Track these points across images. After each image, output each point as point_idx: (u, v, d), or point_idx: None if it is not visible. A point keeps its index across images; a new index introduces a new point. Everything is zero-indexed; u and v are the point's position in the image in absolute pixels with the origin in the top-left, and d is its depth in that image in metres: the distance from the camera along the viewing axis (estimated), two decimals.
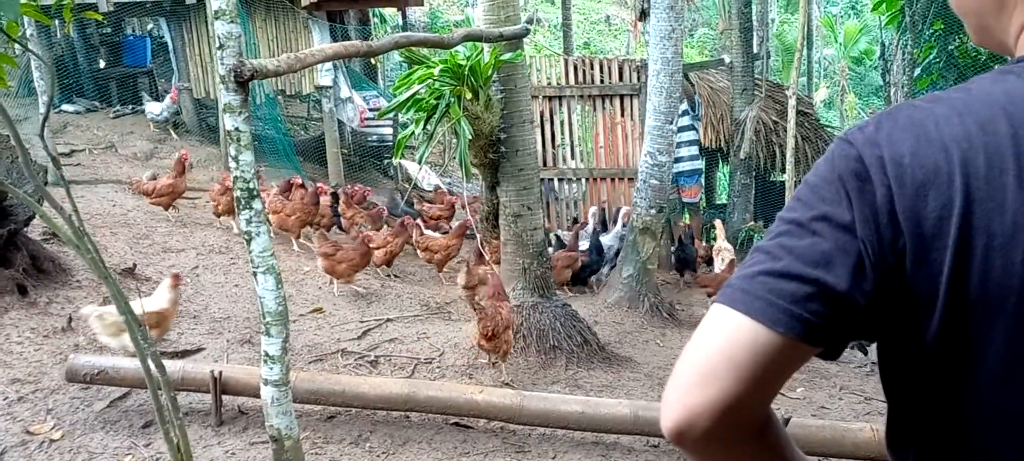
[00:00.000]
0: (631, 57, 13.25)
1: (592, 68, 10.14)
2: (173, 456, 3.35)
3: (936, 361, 0.92)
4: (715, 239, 9.17)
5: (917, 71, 13.39)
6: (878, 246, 0.89)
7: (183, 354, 5.40)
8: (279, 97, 13.00)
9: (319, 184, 9.17)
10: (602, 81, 10.06)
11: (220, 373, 4.47)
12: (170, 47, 12.12)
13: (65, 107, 11.93)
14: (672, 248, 8.91)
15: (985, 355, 0.89)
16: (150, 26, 14.87)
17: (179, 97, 11.89)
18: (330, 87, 11.77)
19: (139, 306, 4.22)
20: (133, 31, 14.63)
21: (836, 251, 0.90)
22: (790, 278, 0.91)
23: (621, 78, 10.00)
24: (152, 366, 3.25)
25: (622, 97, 10.04)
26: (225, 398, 4.55)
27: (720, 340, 0.93)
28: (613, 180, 10.26)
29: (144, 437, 4.39)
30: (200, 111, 12.86)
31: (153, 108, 11.72)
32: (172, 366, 4.28)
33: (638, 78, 9.74)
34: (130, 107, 12.63)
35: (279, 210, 7.76)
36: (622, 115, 10.01)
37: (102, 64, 13.57)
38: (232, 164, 3.10)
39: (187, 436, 3.41)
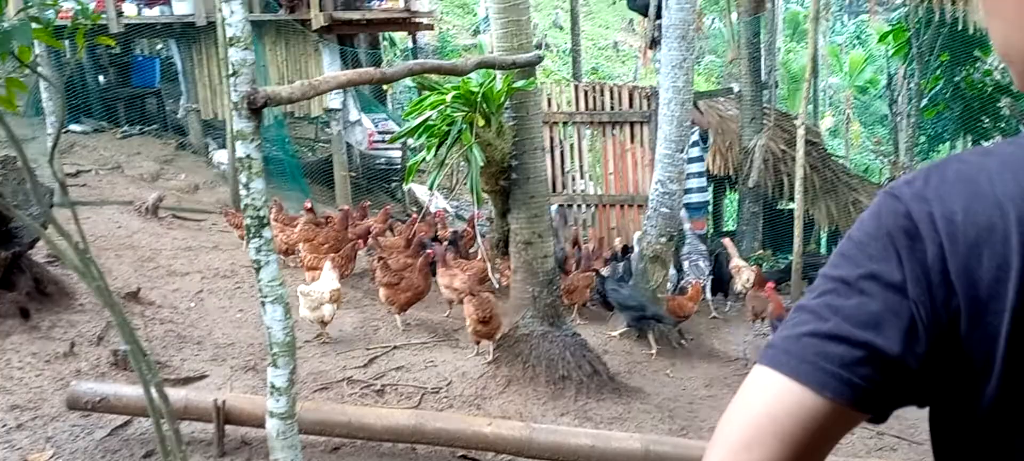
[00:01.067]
0: (639, 84, 13.21)
1: (602, 94, 10.11)
2: None
3: (993, 427, 0.86)
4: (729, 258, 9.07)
5: (924, 102, 13.37)
6: (930, 307, 0.83)
7: (186, 381, 5.32)
8: (286, 118, 12.98)
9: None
10: (612, 107, 10.03)
11: (223, 402, 4.39)
12: (179, 68, 12.12)
13: (72, 127, 11.91)
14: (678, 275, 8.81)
15: None
16: (160, 47, 14.90)
17: (184, 116, 11.86)
18: (339, 109, 11.75)
19: (320, 289, 6.20)
20: (142, 52, 14.65)
21: (887, 312, 0.85)
22: (838, 340, 0.86)
23: (631, 105, 9.97)
24: (156, 395, 3.18)
25: (632, 124, 10.00)
26: (228, 428, 4.47)
27: (764, 404, 0.88)
28: (622, 206, 10.21)
29: None
30: (207, 132, 12.86)
31: (222, 157, 11.51)
32: (175, 394, 4.20)
33: (648, 105, 9.70)
34: (138, 128, 12.62)
35: (311, 238, 7.57)
36: (632, 142, 9.96)
37: (101, 79, 13.53)
38: (243, 191, 3.04)
39: None
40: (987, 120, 13.65)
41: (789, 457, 0.86)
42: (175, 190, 10.49)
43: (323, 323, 6.27)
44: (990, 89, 13.58)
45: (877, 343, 0.84)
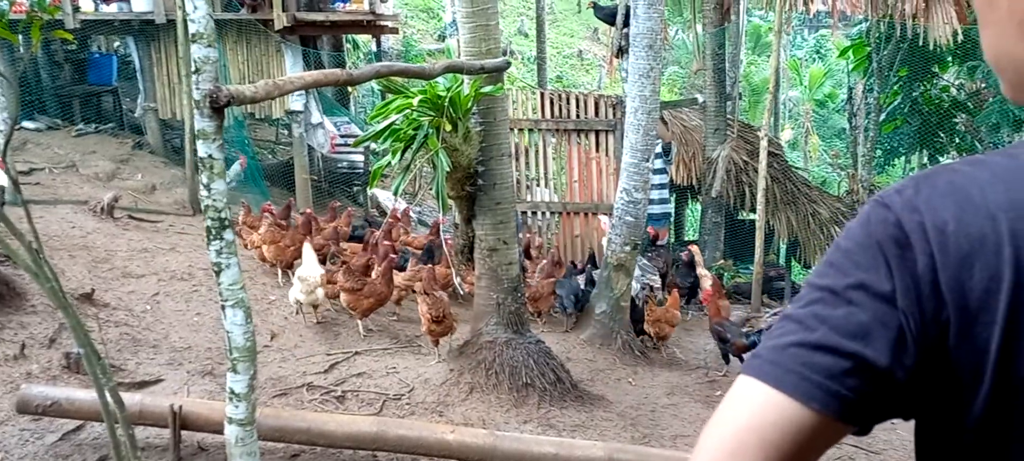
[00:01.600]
0: (604, 93, 13.27)
1: (568, 103, 10.11)
2: None
3: (979, 442, 0.84)
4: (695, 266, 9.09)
5: (882, 116, 13.61)
6: (920, 318, 0.82)
7: (141, 385, 5.20)
8: (247, 120, 12.79)
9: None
10: (578, 116, 10.04)
11: (180, 408, 4.29)
12: (137, 66, 11.87)
13: (25, 124, 11.61)
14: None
15: None
16: (117, 44, 14.61)
17: (142, 115, 11.62)
18: (301, 112, 11.60)
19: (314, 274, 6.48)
20: (99, 49, 14.35)
21: (875, 323, 0.83)
22: (826, 351, 0.84)
23: (597, 113, 9.98)
24: (110, 399, 3.09)
25: (597, 132, 10.02)
26: (184, 433, 4.37)
27: (749, 416, 0.86)
28: (586, 214, 10.21)
29: None
30: (165, 132, 12.62)
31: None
32: (129, 399, 4.09)
33: (614, 114, 9.72)
34: (93, 126, 12.34)
35: (276, 240, 7.47)
36: (597, 150, 9.98)
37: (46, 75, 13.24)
38: (204, 192, 2.96)
39: None
40: (943, 136, 13.93)
41: None
42: (131, 190, 10.27)
43: (315, 307, 6.63)
44: (947, 105, 13.86)
45: (865, 354, 0.83)
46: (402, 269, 7.36)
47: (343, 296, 6.52)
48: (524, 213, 10.07)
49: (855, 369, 0.83)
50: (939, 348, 0.82)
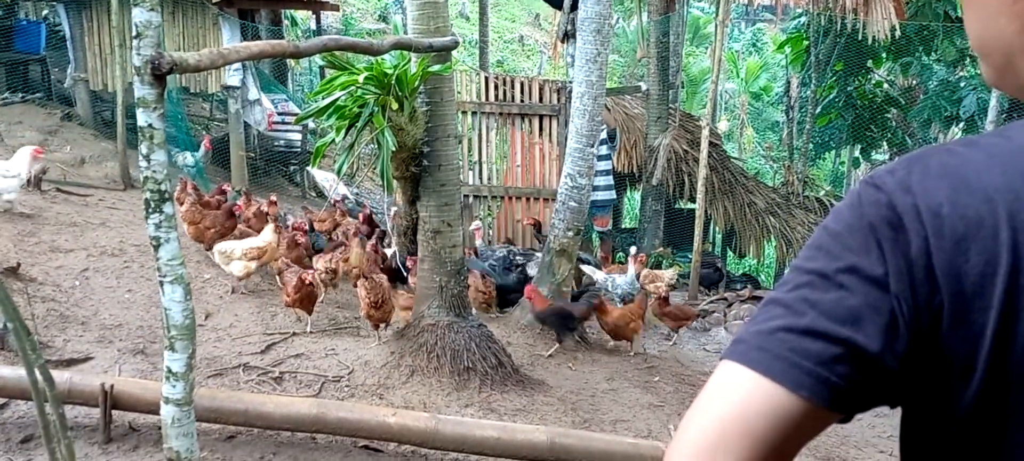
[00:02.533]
0: (546, 78, 13.26)
1: (512, 87, 10.07)
2: None
3: (969, 434, 0.82)
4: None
5: (818, 109, 13.91)
6: (913, 303, 0.79)
7: (70, 363, 5.02)
8: (181, 94, 12.45)
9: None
10: (522, 100, 10.01)
11: (111, 387, 4.16)
12: (67, 35, 11.46)
13: None
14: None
15: None
16: (46, 12, 14.07)
17: (71, 86, 11.21)
18: (238, 87, 11.33)
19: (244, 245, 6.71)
20: (27, 16, 13.79)
21: (867, 308, 0.80)
22: (815, 336, 0.81)
23: (541, 98, 9.96)
24: (40, 377, 2.96)
25: (541, 117, 10.00)
26: (115, 413, 4.23)
27: (733, 403, 0.82)
28: (528, 199, 10.20)
29: (23, 453, 4.05)
30: (96, 104, 12.21)
31: (186, 159, 10.82)
32: (58, 377, 3.93)
33: (558, 99, 9.72)
34: (20, 95, 11.87)
35: (196, 221, 7.24)
36: (540, 135, 9.96)
37: None
38: (143, 163, 2.85)
39: (74, 454, 3.12)
40: (875, 130, 14.30)
41: (759, 460, 0.81)
42: (60, 163, 9.91)
43: (240, 278, 6.73)
44: (880, 100, 14.23)
45: (856, 340, 0.80)
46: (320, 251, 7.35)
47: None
48: (466, 197, 10.02)
49: (845, 355, 0.80)
50: (931, 334, 0.80)
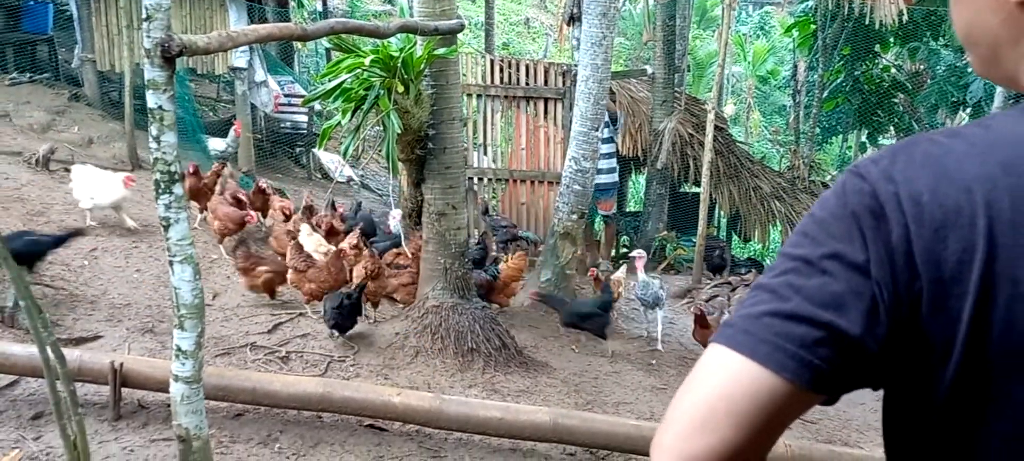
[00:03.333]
0: (552, 61, 13.22)
1: (517, 70, 10.06)
2: (69, 452, 3.12)
3: (947, 416, 0.86)
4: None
5: (825, 93, 13.87)
6: (893, 288, 0.83)
7: (79, 342, 5.08)
8: (189, 76, 12.48)
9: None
10: (527, 83, 10.01)
11: (121, 365, 4.22)
12: (75, 16, 11.46)
13: None
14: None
15: (1002, 413, 0.83)
16: None
17: (79, 66, 11.22)
18: (245, 69, 11.34)
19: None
20: None
21: (849, 293, 0.84)
22: (799, 320, 0.84)
23: (546, 82, 9.96)
24: (51, 354, 3.02)
25: (546, 100, 10.00)
26: (124, 391, 4.29)
27: (720, 384, 0.86)
28: (532, 182, 10.22)
29: (33, 429, 4.12)
30: (103, 85, 12.24)
31: (217, 145, 10.61)
32: (69, 355, 3.99)
33: (564, 82, 9.71)
34: (28, 75, 11.90)
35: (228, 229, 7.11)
36: (545, 118, 9.97)
37: None
38: (153, 145, 2.90)
39: (85, 431, 3.18)
40: (882, 115, 14.25)
41: (744, 439, 0.84)
42: (68, 143, 9.95)
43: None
44: (887, 85, 14.17)
45: (838, 324, 0.83)
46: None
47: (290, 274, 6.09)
48: (470, 179, 10.04)
49: (828, 339, 0.84)
50: (911, 319, 0.83)
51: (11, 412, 4.20)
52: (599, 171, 8.73)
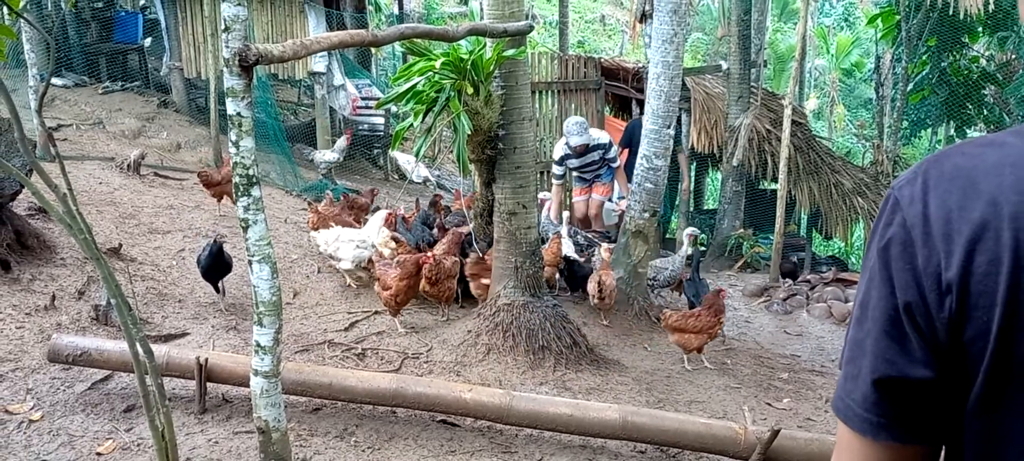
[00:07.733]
0: (625, 58, 13.18)
1: (586, 66, 10.07)
2: (157, 443, 3.28)
3: (976, 421, 0.89)
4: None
5: (910, 86, 13.46)
6: (925, 311, 0.87)
7: (167, 338, 5.33)
8: (270, 81, 12.88)
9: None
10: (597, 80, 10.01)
11: (206, 360, 4.40)
12: (162, 25, 11.97)
13: (53, 80, 11.76)
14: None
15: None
16: (143, 3, 14.71)
17: (167, 74, 11.69)
18: (323, 73, 11.66)
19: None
20: (124, 7, 14.46)
21: (895, 339, 0.90)
22: (868, 385, 0.92)
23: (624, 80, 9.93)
24: (140, 350, 3.19)
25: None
26: (209, 385, 4.48)
27: (849, 457, 0.97)
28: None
29: (126, 421, 4.32)
30: (190, 92, 12.73)
31: (327, 156, 10.83)
32: (157, 351, 4.19)
33: (633, 80, 9.68)
34: (120, 84, 12.47)
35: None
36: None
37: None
38: (232, 150, 3.03)
39: (172, 423, 3.34)
40: (971, 107, 13.76)
41: None
42: (157, 148, 10.40)
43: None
44: (976, 76, 13.67)
45: (895, 374, 0.90)
46: None
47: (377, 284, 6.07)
48: (541, 175, 10.08)
49: (896, 394, 0.90)
50: (954, 333, 0.86)
51: (105, 405, 4.43)
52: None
